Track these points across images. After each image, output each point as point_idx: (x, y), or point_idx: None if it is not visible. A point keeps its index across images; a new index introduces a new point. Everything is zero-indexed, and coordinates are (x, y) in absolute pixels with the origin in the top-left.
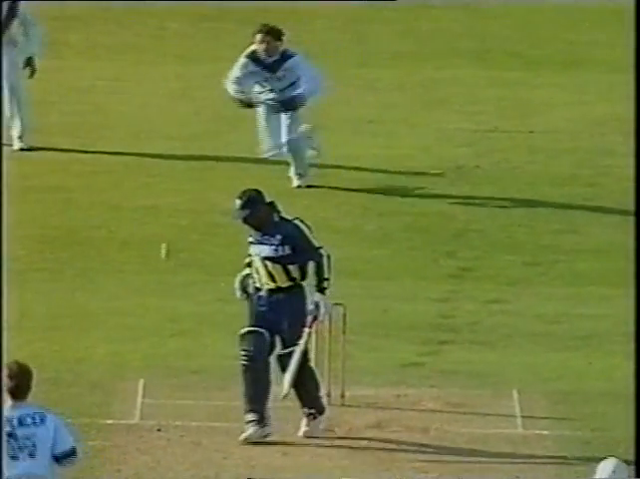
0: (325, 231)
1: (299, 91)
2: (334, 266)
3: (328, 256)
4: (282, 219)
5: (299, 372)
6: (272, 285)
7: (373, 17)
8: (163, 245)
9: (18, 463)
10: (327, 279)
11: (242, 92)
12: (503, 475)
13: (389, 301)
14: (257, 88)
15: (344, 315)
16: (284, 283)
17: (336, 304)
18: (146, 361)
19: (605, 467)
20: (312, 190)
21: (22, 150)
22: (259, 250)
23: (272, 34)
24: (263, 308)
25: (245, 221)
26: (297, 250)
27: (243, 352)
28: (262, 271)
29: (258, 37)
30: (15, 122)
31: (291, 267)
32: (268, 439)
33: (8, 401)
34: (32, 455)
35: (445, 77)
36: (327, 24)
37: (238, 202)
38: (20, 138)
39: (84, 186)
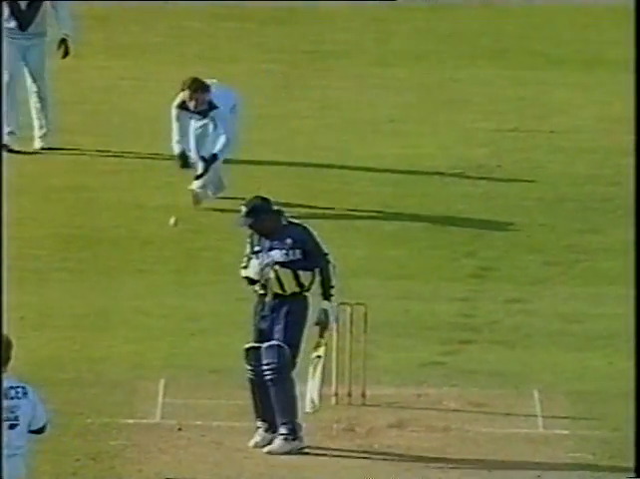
0: (346, 230)
1: (218, 147)
2: (355, 266)
3: (334, 265)
4: (290, 222)
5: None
6: (279, 292)
7: (393, 17)
8: (173, 218)
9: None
10: (333, 287)
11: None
12: (525, 475)
13: (409, 301)
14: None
15: (365, 315)
16: (292, 290)
17: (357, 304)
18: (166, 361)
19: None
20: (332, 189)
21: (42, 149)
22: (270, 257)
23: (201, 89)
24: (266, 321)
25: (252, 227)
26: (307, 254)
27: (250, 367)
28: (272, 279)
29: (187, 93)
30: (37, 120)
31: (301, 274)
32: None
33: None
34: (12, 427)
35: (465, 77)
36: (347, 24)
37: (243, 209)
38: (42, 137)
39: (105, 185)
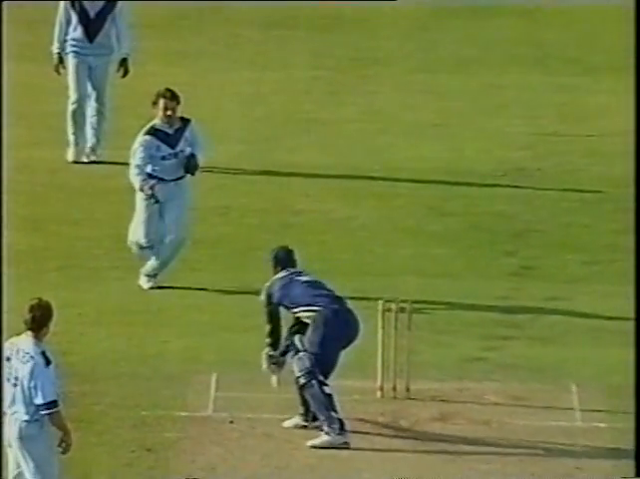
0: (391, 230)
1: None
2: (400, 265)
3: None
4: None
5: None
6: None
7: (436, 25)
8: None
9: (7, 390)
10: None
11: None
12: (563, 466)
13: (453, 298)
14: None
15: (409, 312)
16: None
17: (402, 302)
18: (219, 356)
19: None
20: (378, 191)
21: (92, 162)
22: None
23: (177, 99)
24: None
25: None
26: None
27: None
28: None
29: (162, 103)
30: (92, 134)
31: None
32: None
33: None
34: (14, 386)
35: (506, 83)
36: (392, 32)
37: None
38: (93, 150)
39: None
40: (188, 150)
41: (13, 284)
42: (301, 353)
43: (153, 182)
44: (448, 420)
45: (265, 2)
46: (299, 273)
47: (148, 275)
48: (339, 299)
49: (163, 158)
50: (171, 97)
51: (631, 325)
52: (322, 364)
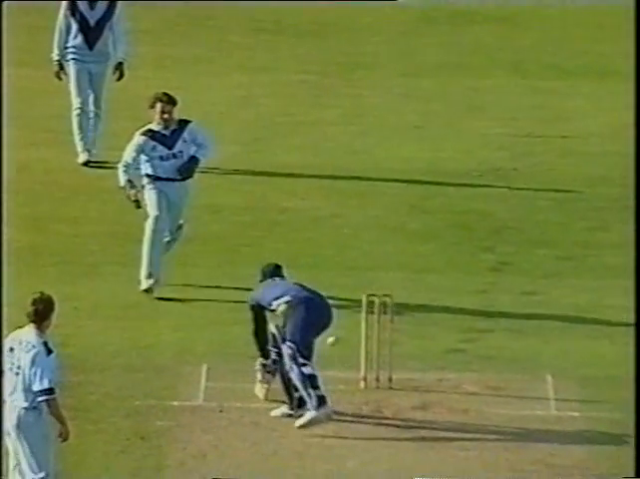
0: (374, 228)
1: (198, 155)
2: (383, 261)
3: None
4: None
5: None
6: None
7: (418, 31)
8: (333, 339)
9: (9, 379)
10: None
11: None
12: (538, 452)
13: (433, 293)
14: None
15: (391, 305)
16: None
17: (385, 296)
18: (209, 347)
19: None
20: (362, 190)
21: (90, 162)
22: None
23: (173, 102)
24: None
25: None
26: None
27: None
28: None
29: (159, 106)
30: (83, 133)
31: None
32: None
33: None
34: (17, 374)
35: (484, 86)
36: (376, 37)
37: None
38: (89, 151)
39: None
40: (193, 149)
41: (13, 279)
42: (281, 344)
43: (134, 191)
44: (428, 409)
45: (254, 9)
46: (280, 279)
47: (147, 275)
48: (309, 289)
49: (162, 158)
50: (168, 100)
51: (603, 318)
52: (302, 348)
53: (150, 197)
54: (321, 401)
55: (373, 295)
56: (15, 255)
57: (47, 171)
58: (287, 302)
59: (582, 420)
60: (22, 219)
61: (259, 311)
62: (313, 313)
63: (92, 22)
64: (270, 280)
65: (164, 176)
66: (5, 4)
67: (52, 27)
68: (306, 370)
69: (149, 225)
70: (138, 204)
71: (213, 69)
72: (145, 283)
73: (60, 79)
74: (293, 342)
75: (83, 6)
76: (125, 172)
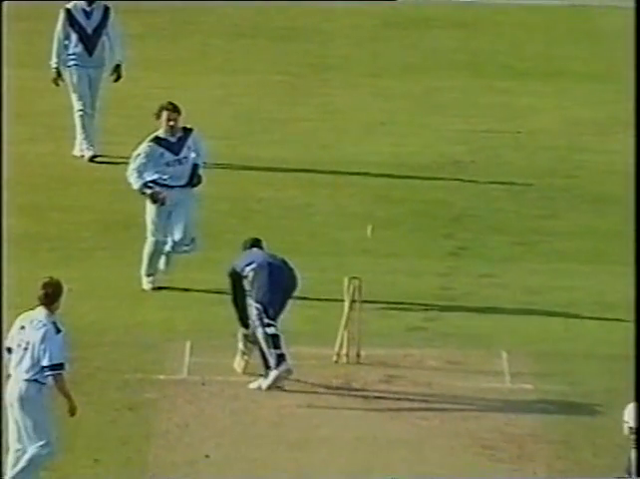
0: (342, 216)
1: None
2: (351, 246)
3: None
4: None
5: None
6: None
7: (385, 36)
8: (370, 227)
9: (17, 354)
10: None
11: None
12: (495, 422)
13: (397, 276)
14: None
15: (359, 287)
16: None
17: (353, 278)
18: (193, 326)
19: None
20: (331, 181)
21: (81, 156)
22: None
23: (178, 111)
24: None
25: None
26: None
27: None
28: None
29: (165, 115)
30: (87, 132)
31: None
32: (298, 392)
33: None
34: (25, 350)
35: (445, 86)
36: (345, 41)
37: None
38: (91, 147)
39: None
40: (192, 156)
41: (12, 264)
42: (249, 306)
43: (158, 188)
44: (393, 382)
45: (233, 15)
46: (258, 250)
47: (147, 276)
48: (274, 256)
49: (167, 164)
50: (173, 109)
51: (554, 298)
52: (268, 308)
53: (150, 204)
54: (280, 359)
55: (355, 278)
56: (14, 242)
57: (43, 163)
58: (253, 269)
59: (535, 392)
60: (20, 208)
61: (237, 279)
62: (276, 276)
63: (89, 30)
64: (248, 251)
65: (169, 181)
66: (4, 4)
67: (48, 31)
68: (269, 330)
69: (149, 230)
70: (163, 200)
71: (196, 70)
72: (145, 284)
73: (57, 85)
74: (259, 303)
75: (80, 16)
76: (138, 177)
